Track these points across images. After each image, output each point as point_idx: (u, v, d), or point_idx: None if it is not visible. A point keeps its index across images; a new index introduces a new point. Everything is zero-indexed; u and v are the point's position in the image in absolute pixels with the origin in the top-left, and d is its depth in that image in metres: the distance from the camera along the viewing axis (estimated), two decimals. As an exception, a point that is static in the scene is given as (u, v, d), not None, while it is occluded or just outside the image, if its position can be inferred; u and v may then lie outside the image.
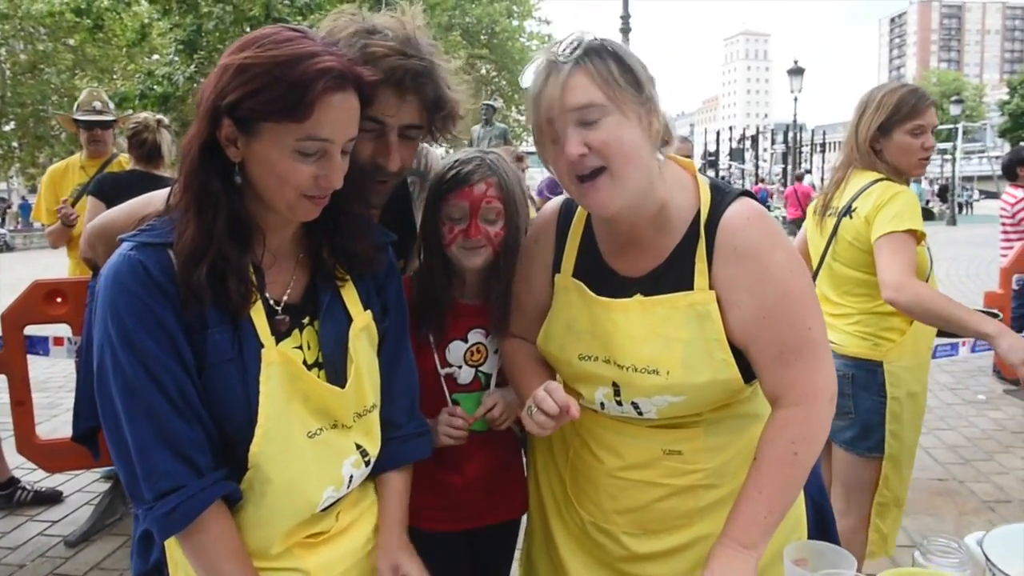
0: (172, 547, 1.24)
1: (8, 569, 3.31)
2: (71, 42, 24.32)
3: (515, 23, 28.58)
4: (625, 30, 13.51)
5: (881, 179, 2.40)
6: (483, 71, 29.73)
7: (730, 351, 1.32)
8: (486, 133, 11.13)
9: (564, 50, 1.26)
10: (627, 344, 1.37)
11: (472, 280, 1.66)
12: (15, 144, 32.10)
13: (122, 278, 1.13)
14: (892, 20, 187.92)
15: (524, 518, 1.78)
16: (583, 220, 1.50)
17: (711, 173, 37.49)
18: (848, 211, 2.43)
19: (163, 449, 1.12)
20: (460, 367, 1.67)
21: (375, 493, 1.44)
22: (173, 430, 1.13)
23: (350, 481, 1.32)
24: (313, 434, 1.25)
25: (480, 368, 1.69)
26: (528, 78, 1.30)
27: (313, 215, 1.23)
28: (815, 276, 2.59)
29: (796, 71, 23.87)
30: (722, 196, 1.37)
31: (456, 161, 1.60)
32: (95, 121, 4.29)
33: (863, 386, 2.44)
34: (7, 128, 31.59)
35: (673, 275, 1.36)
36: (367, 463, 1.35)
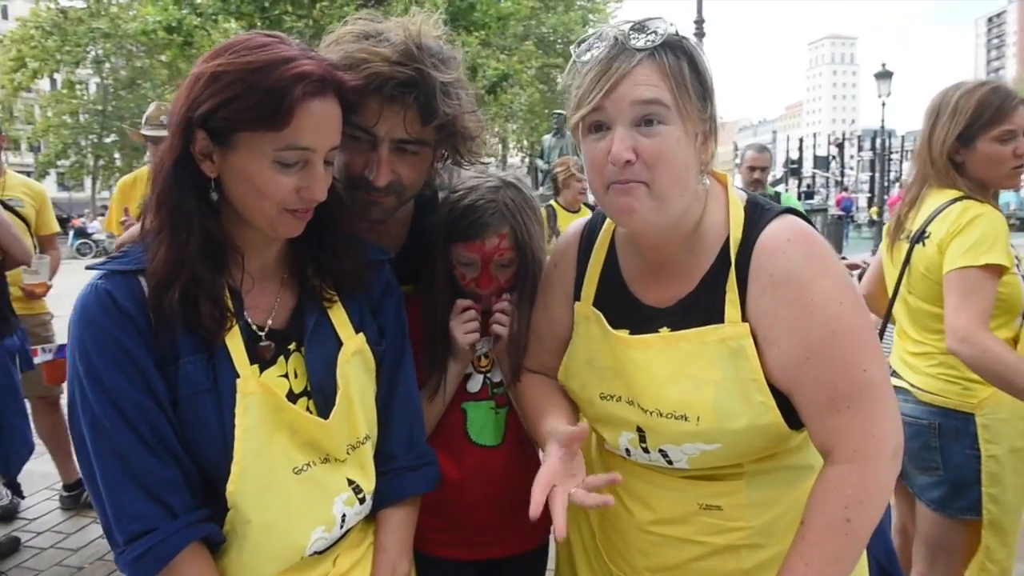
0: None
1: (67, 571, 3.38)
2: (164, 58, 25.60)
3: (591, 32, 28.45)
4: (699, 35, 13.12)
5: (960, 198, 2.06)
6: (558, 81, 29.72)
7: (769, 392, 1.15)
8: (557, 143, 11.01)
9: (639, 37, 1.11)
10: (650, 386, 1.21)
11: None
12: (116, 155, 34.05)
13: (89, 310, 1.07)
14: (989, 20, 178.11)
15: (550, 560, 1.64)
16: (606, 243, 1.35)
17: (793, 182, 36.07)
18: (921, 237, 2.11)
19: (134, 490, 1.05)
20: (471, 374, 1.58)
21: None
22: (144, 470, 1.06)
23: (343, 521, 1.22)
24: (300, 470, 1.16)
25: (488, 375, 1.59)
26: (587, 53, 1.15)
27: (296, 231, 1.15)
28: (889, 307, 2.29)
29: (884, 75, 22.75)
30: (760, 214, 1.20)
31: (468, 207, 1.48)
32: (160, 136, 4.39)
33: (952, 438, 2.09)
34: (108, 140, 33.59)
35: (702, 306, 1.20)
36: (361, 500, 1.25)
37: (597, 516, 1.42)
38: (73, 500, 4.07)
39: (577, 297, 1.36)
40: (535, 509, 1.10)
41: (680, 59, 1.11)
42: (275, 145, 1.06)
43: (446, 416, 1.54)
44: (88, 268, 1.14)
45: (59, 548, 3.61)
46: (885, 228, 2.37)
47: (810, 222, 1.22)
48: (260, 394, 1.12)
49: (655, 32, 1.11)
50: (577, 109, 1.15)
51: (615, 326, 1.28)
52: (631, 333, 1.26)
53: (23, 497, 4.01)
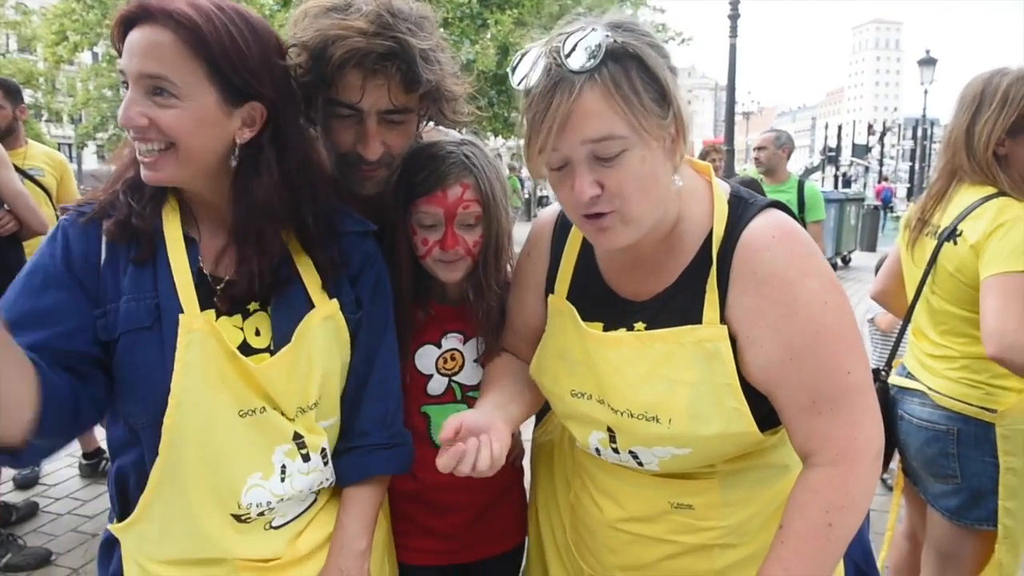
0: (129, 559, 1.21)
1: (82, 537, 3.45)
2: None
3: (628, 11, 28.00)
4: (734, 16, 12.81)
5: (995, 195, 1.91)
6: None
7: (744, 399, 1.10)
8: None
9: (575, 55, 0.99)
10: (621, 385, 1.17)
11: (451, 286, 1.50)
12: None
13: (46, 243, 1.16)
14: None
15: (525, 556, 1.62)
16: (581, 234, 1.30)
17: (831, 169, 35.24)
18: (951, 235, 1.96)
19: None
20: (431, 375, 1.50)
21: None
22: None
23: (283, 472, 1.20)
24: (246, 413, 1.16)
25: (454, 378, 1.51)
26: (526, 80, 1.04)
27: (148, 177, 1.12)
28: (911, 308, 2.15)
29: (927, 61, 22.09)
30: (743, 209, 1.14)
31: (426, 158, 1.41)
32: None
33: (971, 444, 1.97)
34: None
35: (680, 303, 1.15)
36: (305, 457, 1.22)
37: (568, 512, 1.39)
38: (91, 468, 4.15)
39: (551, 289, 1.32)
40: (447, 449, 1.10)
41: (628, 68, 1.00)
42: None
43: (407, 419, 1.44)
44: (63, 208, 1.21)
45: (75, 515, 3.70)
46: (903, 221, 2.24)
47: (794, 217, 1.16)
48: (208, 333, 1.13)
49: (593, 48, 0.99)
50: (528, 148, 1.05)
51: (589, 319, 1.24)
52: (606, 327, 1.22)
53: (39, 465, 4.10)
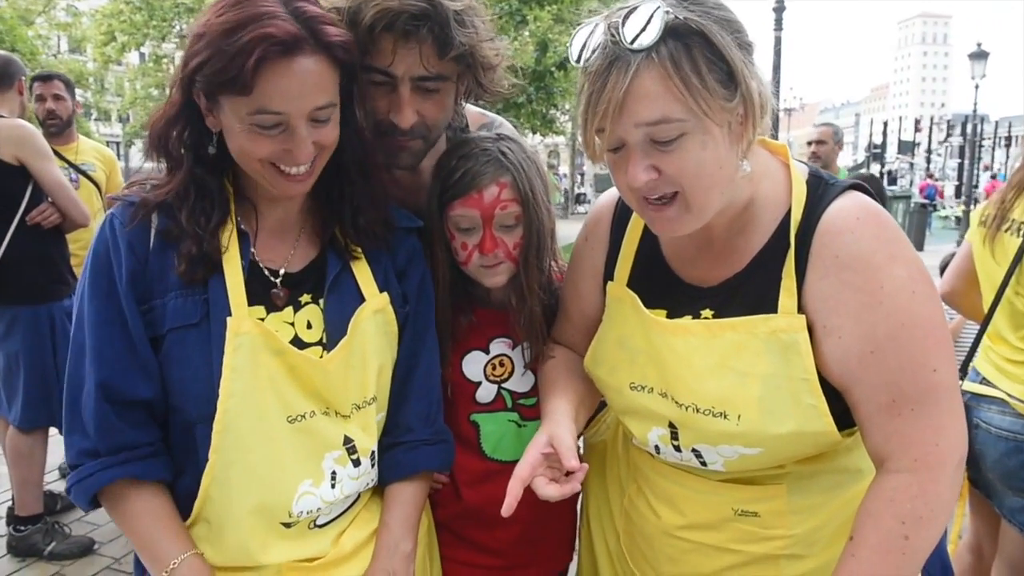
0: None
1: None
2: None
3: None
4: (779, 9, 12.51)
5: None
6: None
7: (822, 396, 1.02)
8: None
9: (632, 30, 0.92)
10: (687, 377, 1.10)
11: (495, 290, 1.43)
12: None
13: (97, 237, 1.13)
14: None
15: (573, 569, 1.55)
16: None
17: (875, 167, 34.49)
18: None
19: (79, 422, 1.10)
20: (480, 382, 1.44)
21: None
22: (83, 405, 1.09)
23: (334, 478, 1.17)
24: (295, 419, 1.13)
25: (504, 385, 1.45)
26: (582, 55, 0.98)
27: (293, 191, 1.13)
28: (992, 310, 2.02)
29: (979, 55, 21.32)
30: (824, 190, 1.06)
31: (459, 158, 1.34)
32: None
33: None
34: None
35: (753, 290, 1.07)
36: (355, 462, 1.19)
37: (622, 518, 1.33)
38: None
39: (610, 276, 1.25)
40: (508, 508, 1.03)
41: (690, 46, 0.92)
42: (247, 109, 1.02)
43: (456, 428, 1.40)
44: (112, 198, 1.20)
45: (119, 505, 3.74)
46: (978, 215, 2.11)
47: (880, 201, 1.08)
48: (257, 335, 1.10)
49: (647, 24, 0.91)
50: (583, 129, 1.00)
51: (652, 306, 1.17)
52: (669, 314, 1.15)
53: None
